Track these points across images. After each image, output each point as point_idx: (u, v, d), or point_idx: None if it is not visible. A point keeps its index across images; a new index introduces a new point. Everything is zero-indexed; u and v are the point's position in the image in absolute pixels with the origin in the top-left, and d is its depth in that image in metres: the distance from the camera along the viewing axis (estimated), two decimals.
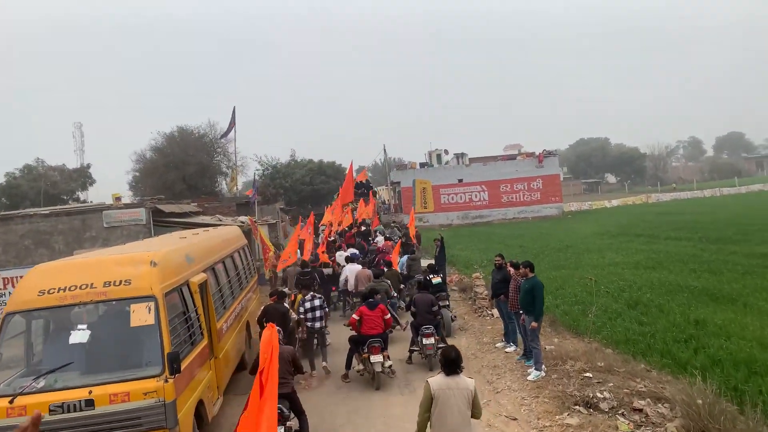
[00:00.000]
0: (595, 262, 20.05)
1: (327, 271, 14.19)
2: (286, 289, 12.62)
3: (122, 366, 6.01)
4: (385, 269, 13.39)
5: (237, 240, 11.83)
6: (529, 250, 25.15)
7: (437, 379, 5.39)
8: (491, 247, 27.65)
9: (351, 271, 13.42)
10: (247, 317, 10.86)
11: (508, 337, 10.46)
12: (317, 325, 10.01)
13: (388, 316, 9.36)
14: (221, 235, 10.91)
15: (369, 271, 13.25)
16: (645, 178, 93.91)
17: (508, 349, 10.30)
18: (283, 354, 6.72)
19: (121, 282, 6.23)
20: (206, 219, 19.85)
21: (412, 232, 20.84)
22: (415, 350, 10.07)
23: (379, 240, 22.29)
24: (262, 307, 9.74)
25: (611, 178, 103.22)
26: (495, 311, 12.25)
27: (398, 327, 10.48)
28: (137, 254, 6.67)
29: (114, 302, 6.21)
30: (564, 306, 13.12)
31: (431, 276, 12.07)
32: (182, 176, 39.27)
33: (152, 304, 6.14)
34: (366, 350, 9.17)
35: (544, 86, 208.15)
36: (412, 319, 10.40)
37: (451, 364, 5.39)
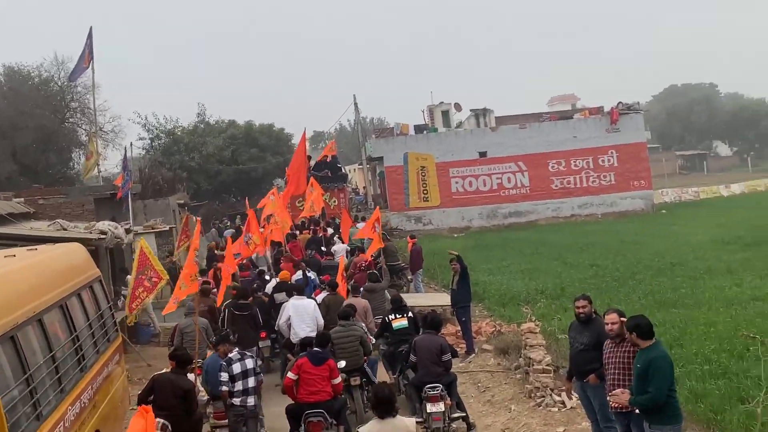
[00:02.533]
0: (728, 293, 19.24)
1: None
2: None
3: None
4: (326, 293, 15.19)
5: (76, 273, 10.37)
6: (606, 271, 24.43)
7: (369, 427, 6.78)
8: (541, 266, 26.84)
9: (298, 309, 13.83)
10: (103, 417, 9.82)
11: None
12: (250, 402, 10.45)
13: (338, 380, 10.19)
14: (38, 268, 9.19)
15: (365, 303, 14.63)
16: None
17: None
18: None
19: None
20: (39, 226, 18.14)
21: (370, 249, 20.60)
22: (418, 422, 10.09)
23: (339, 249, 23.35)
24: (150, 378, 9.99)
25: (723, 149, 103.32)
26: (573, 399, 11.27)
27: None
28: None
29: None
30: (693, 381, 11.84)
31: (392, 317, 13.15)
32: (11, 150, 37.70)
33: None
34: (303, 429, 9.80)
35: (606, 8, 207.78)
36: (411, 374, 11.45)
37: (385, 403, 6.79)
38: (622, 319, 8.45)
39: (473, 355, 15.49)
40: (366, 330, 13.92)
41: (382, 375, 13.31)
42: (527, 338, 13.17)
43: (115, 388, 10.82)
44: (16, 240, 15.53)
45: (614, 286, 21.68)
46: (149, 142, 52.59)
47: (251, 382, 10.46)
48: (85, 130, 43.01)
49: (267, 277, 19.94)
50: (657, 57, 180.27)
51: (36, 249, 10.41)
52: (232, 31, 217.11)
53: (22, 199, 20.67)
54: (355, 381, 11.75)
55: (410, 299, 19.91)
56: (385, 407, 6.82)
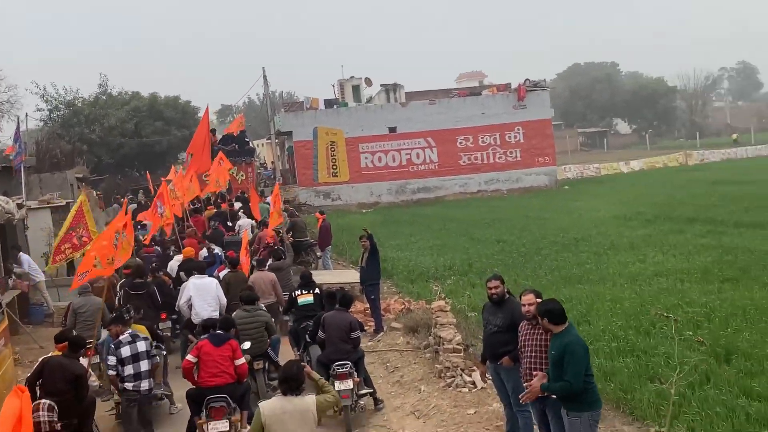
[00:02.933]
0: (632, 269, 19.47)
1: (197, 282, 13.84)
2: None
3: None
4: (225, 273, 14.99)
5: None
6: (512, 247, 24.58)
7: (272, 402, 6.90)
8: (449, 242, 26.90)
9: (199, 289, 13.46)
10: None
11: None
12: (144, 386, 10.14)
13: (242, 360, 9.80)
14: None
15: (272, 276, 14.80)
16: (674, 127, 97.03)
17: None
18: None
19: None
20: None
21: (272, 223, 20.41)
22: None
23: (243, 224, 23.12)
24: (40, 362, 9.55)
25: (623, 126, 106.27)
26: (488, 382, 10.96)
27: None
28: None
29: None
30: (602, 359, 11.83)
31: (298, 292, 13.30)
32: None
33: None
34: (204, 414, 9.40)
35: None
36: (318, 351, 11.34)
37: (292, 381, 6.87)
38: (539, 300, 8.22)
39: (382, 333, 15.22)
40: (280, 306, 14.38)
41: (287, 351, 13.00)
42: (437, 317, 12.93)
43: (2, 373, 10.06)
44: None
45: (521, 261, 21.80)
46: (47, 113, 50.34)
47: (144, 365, 10.09)
48: None
49: (171, 253, 19.50)
50: (559, 36, 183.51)
51: None
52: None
53: None
54: (258, 365, 11.43)
55: (318, 276, 19.42)
56: (291, 384, 6.86)
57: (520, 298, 8.54)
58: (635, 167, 59.30)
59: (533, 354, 8.21)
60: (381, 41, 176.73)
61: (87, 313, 13.11)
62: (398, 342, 14.44)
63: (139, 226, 28.31)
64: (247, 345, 10.77)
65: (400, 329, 15.18)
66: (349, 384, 10.32)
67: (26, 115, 41.32)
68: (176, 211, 21.25)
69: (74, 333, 12.34)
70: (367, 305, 16.77)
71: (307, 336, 12.16)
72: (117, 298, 14.20)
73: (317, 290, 13.31)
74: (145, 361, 10.12)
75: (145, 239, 19.93)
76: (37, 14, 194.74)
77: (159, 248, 19.97)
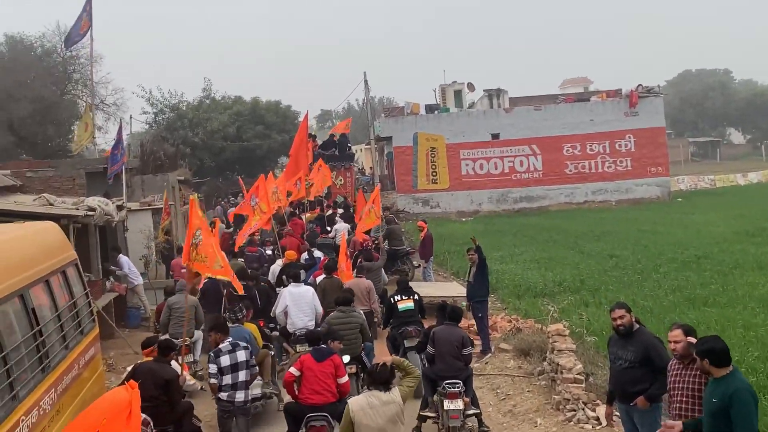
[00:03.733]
0: (762, 291, 17.81)
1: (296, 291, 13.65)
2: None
3: None
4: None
5: (44, 256, 8.97)
6: (627, 263, 23.10)
7: (359, 398, 7.52)
8: (556, 255, 25.70)
9: (295, 297, 13.27)
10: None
11: None
12: (238, 397, 9.87)
13: (345, 378, 9.51)
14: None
15: (369, 284, 14.81)
16: None
17: None
18: None
19: None
20: (23, 200, 16.73)
21: (363, 223, 20.81)
22: (430, 417, 10.39)
23: (340, 228, 23.23)
24: (132, 368, 9.55)
25: (737, 136, 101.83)
26: (612, 423, 9.77)
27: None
28: None
29: None
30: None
31: (397, 298, 12.99)
32: (8, 121, 36.87)
33: None
34: None
35: None
36: (417, 359, 11.35)
37: (382, 383, 7.40)
38: (690, 338, 7.03)
39: (490, 354, 14.10)
40: (373, 312, 14.40)
41: (383, 353, 12.86)
42: (554, 341, 11.75)
43: (88, 389, 9.45)
44: None
45: (637, 279, 20.36)
46: (153, 116, 51.82)
47: (242, 375, 9.82)
48: (86, 102, 41.97)
49: (269, 252, 19.72)
50: (669, 41, 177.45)
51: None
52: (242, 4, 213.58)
53: (9, 171, 19.24)
54: (351, 369, 10.97)
55: (420, 288, 18.44)
56: (380, 385, 7.38)
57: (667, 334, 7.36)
58: (753, 179, 56.27)
59: (685, 398, 7.10)
60: (482, 47, 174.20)
61: (181, 310, 13.16)
62: (508, 366, 13.29)
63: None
64: (347, 359, 10.48)
65: (509, 351, 14.04)
66: (459, 404, 9.84)
67: (130, 117, 42.15)
68: (280, 210, 21.73)
69: (166, 334, 13.05)
70: (472, 322, 15.78)
71: (405, 342, 12.22)
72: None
73: (416, 296, 13.19)
74: (244, 372, 9.84)
75: (242, 233, 19.63)
76: (142, 8, 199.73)
77: (262, 249, 20.09)
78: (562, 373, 11.14)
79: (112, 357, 15.17)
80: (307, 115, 30.47)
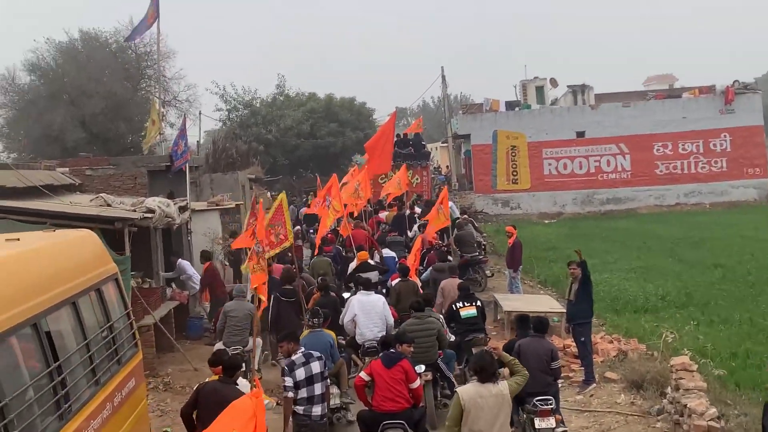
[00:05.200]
0: None
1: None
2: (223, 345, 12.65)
3: None
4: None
5: (76, 272, 7.63)
6: (735, 274, 21.00)
7: (468, 387, 7.66)
8: (654, 264, 23.66)
9: (364, 307, 12.76)
10: None
11: None
12: (315, 412, 9.40)
13: (417, 383, 9.38)
14: (11, 268, 6.48)
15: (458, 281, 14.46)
16: None
17: None
18: None
19: None
20: (80, 200, 15.64)
21: (433, 225, 20.24)
22: None
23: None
24: (194, 390, 8.93)
25: None
26: None
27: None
28: None
29: None
30: None
31: (460, 304, 12.71)
32: (80, 117, 36.75)
33: None
34: None
35: None
36: None
37: (486, 371, 7.44)
38: None
39: (594, 385, 12.15)
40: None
41: None
42: (680, 377, 9.81)
43: (127, 426, 7.99)
44: (44, 217, 13.07)
45: (751, 294, 18.37)
46: (226, 113, 51.30)
47: (318, 388, 9.32)
48: (159, 98, 41.60)
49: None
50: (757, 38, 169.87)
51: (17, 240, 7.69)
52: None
53: (68, 169, 18.17)
54: (427, 377, 10.81)
55: (508, 302, 16.92)
56: (486, 373, 7.43)
57: None
58: None
59: None
60: (563, 42, 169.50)
61: (237, 318, 12.95)
62: (618, 401, 11.31)
63: (311, 230, 27.02)
64: (420, 369, 10.16)
65: (617, 382, 12.10)
66: (551, 422, 9.37)
67: (199, 113, 41.52)
68: (357, 210, 21.67)
69: (220, 342, 12.79)
70: (567, 342, 14.11)
71: (473, 350, 11.78)
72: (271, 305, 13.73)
73: (479, 302, 12.99)
74: (320, 384, 9.36)
75: (320, 234, 19.04)
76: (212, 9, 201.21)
77: (338, 247, 19.71)
78: (690, 417, 9.27)
79: (169, 374, 13.87)
80: (394, 114, 29.46)
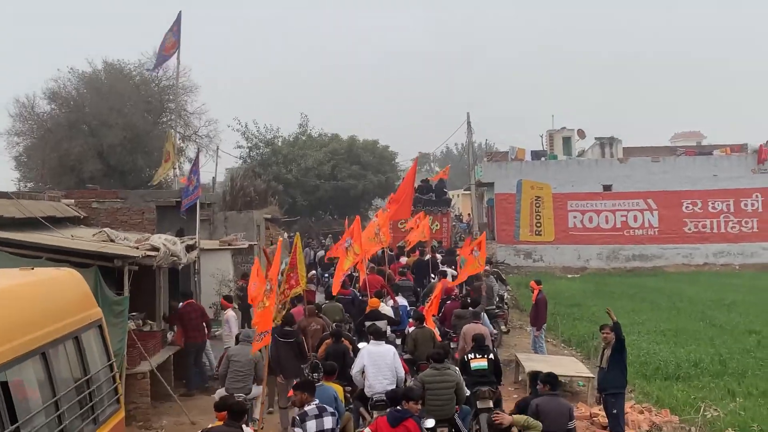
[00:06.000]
0: None
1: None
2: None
3: None
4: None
5: (53, 317, 6.85)
6: None
7: None
8: (684, 327, 22.45)
9: (374, 358, 12.21)
10: None
11: None
12: None
13: None
14: None
15: (485, 330, 14.50)
16: None
17: None
18: None
19: None
20: (83, 234, 14.87)
21: (466, 270, 19.94)
22: None
23: (448, 272, 21.79)
24: None
25: None
26: None
27: None
28: None
29: None
30: None
31: (471, 356, 12.41)
32: (99, 148, 35.91)
33: None
34: None
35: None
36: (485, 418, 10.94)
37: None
38: None
39: None
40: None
41: None
42: None
43: None
44: (40, 251, 12.38)
45: None
46: (247, 151, 51.00)
47: None
48: (179, 133, 41.03)
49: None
50: None
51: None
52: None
53: (73, 200, 17.46)
54: None
55: (531, 362, 15.82)
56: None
57: None
58: None
59: None
60: (591, 93, 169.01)
61: (240, 363, 12.46)
62: None
63: (326, 275, 26.26)
64: (430, 423, 9.88)
65: None
66: None
67: (216, 149, 41.03)
68: (370, 254, 21.04)
69: (222, 388, 12.36)
70: (594, 411, 13.14)
71: (477, 403, 11.65)
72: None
73: (491, 355, 12.60)
74: None
75: (337, 278, 18.10)
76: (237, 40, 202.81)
77: (355, 291, 19.53)
78: None
79: (164, 427, 12.94)
80: (416, 160, 30.07)
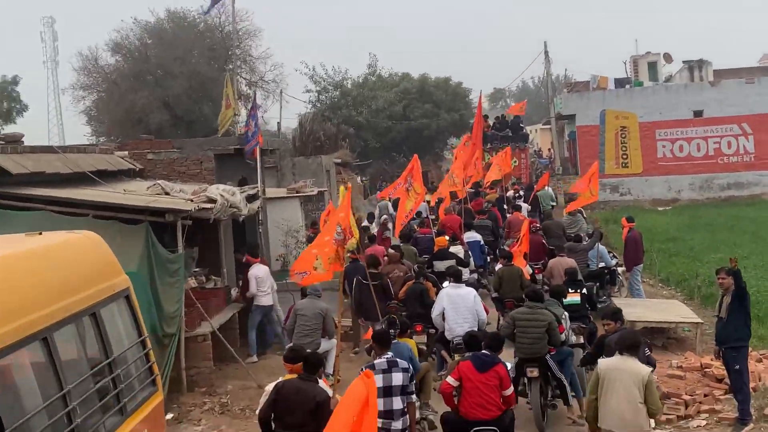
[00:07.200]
0: None
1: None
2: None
3: None
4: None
5: (59, 293, 5.73)
6: None
7: (609, 360, 7.98)
8: None
9: (454, 300, 12.26)
10: None
11: None
12: (394, 426, 8.51)
13: (510, 391, 8.97)
14: None
15: (572, 262, 14.75)
16: None
17: None
18: None
19: None
20: (136, 188, 14.01)
21: (583, 199, 20.46)
22: None
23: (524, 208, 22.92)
24: (273, 387, 8.17)
25: None
26: None
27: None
28: None
29: None
30: None
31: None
32: (164, 99, 36.50)
33: None
34: None
35: None
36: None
37: (631, 346, 7.76)
38: None
39: (751, 425, 9.58)
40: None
41: None
42: None
43: None
44: (86, 208, 11.66)
45: None
46: (315, 95, 49.94)
47: (397, 402, 8.39)
48: (245, 79, 40.40)
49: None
50: None
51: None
52: None
53: (126, 153, 16.55)
54: (532, 372, 10.33)
55: (629, 308, 14.20)
56: (630, 350, 7.72)
57: None
58: None
59: None
60: (675, 14, 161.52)
61: (306, 317, 12.16)
62: None
63: (415, 217, 25.75)
64: (509, 365, 9.90)
65: None
66: None
67: (281, 92, 40.29)
68: (460, 194, 21.12)
69: (290, 342, 11.96)
70: (705, 361, 11.87)
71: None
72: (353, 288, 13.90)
73: (584, 290, 12.90)
74: (399, 398, 8.43)
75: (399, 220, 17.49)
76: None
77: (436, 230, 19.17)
78: None
79: (228, 392, 12.03)
80: (480, 96, 29.72)
